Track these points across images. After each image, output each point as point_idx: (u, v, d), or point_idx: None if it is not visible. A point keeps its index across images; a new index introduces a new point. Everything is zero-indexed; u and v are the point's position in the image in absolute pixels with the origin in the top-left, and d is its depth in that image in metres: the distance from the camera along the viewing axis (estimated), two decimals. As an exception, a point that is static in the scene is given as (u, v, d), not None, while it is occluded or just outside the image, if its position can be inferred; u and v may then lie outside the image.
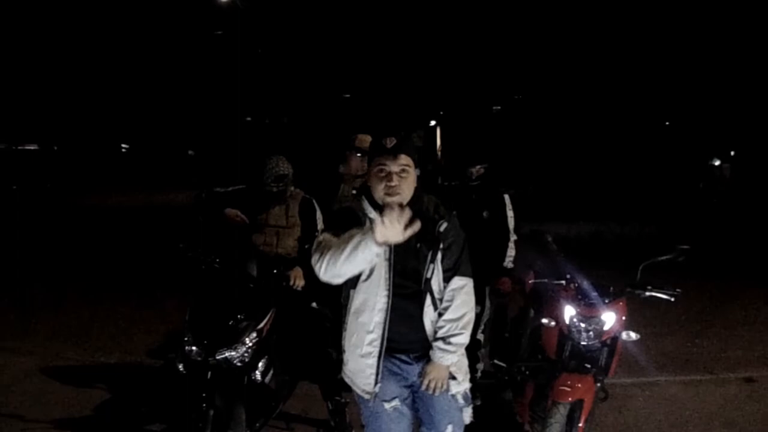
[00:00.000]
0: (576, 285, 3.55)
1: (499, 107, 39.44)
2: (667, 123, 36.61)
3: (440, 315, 2.61)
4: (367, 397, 2.60)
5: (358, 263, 2.33)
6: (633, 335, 3.47)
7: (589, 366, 3.41)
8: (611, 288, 3.54)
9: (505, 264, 4.50)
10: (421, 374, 2.62)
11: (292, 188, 4.22)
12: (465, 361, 2.73)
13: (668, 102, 33.96)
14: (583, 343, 3.43)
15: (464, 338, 2.62)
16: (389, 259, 2.52)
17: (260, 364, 3.54)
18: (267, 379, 3.59)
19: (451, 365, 2.63)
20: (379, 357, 2.55)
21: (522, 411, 3.86)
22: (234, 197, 4.19)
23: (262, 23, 33.58)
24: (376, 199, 2.57)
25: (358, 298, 2.57)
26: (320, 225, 4.22)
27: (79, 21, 32.40)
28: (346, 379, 2.70)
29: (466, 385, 2.71)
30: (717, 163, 24.95)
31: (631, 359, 4.92)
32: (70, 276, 8.98)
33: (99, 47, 33.30)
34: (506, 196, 4.66)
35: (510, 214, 4.62)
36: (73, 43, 32.56)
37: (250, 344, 3.44)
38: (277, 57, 35.49)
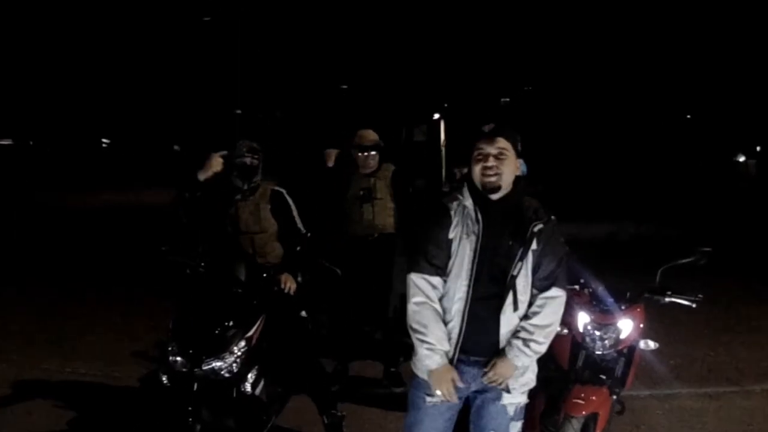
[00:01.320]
0: (590, 290, 3.55)
1: (507, 99, 39.42)
2: (688, 116, 36.58)
3: (526, 318, 2.71)
4: (435, 400, 2.72)
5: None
6: (651, 344, 3.46)
7: (604, 377, 3.40)
8: (628, 293, 3.53)
9: None
10: (487, 366, 2.70)
11: (260, 180, 4.11)
12: (531, 378, 2.81)
13: (690, 94, 33.90)
14: (597, 352, 3.42)
15: (543, 348, 2.72)
16: (475, 250, 2.65)
17: (250, 375, 3.53)
18: (257, 391, 3.58)
19: (517, 372, 2.71)
20: (457, 346, 2.68)
21: (532, 425, 3.84)
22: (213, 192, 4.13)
23: (253, 9, 33.49)
24: (475, 183, 2.71)
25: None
26: (298, 223, 4.14)
27: (55, 9, 32.38)
28: (416, 370, 2.77)
29: (521, 399, 2.80)
30: (742, 159, 24.97)
31: (650, 370, 4.92)
32: (47, 280, 8.98)
33: (77, 35, 33.27)
34: None
35: None
36: (49, 32, 32.54)
37: (239, 353, 3.43)
38: (270, 45, 35.42)
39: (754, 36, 30.16)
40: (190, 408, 3.29)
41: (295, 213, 4.15)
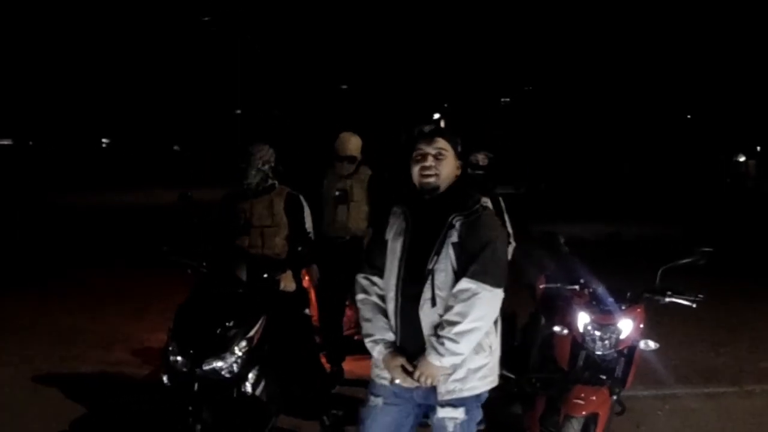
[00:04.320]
0: (590, 290, 3.55)
1: (508, 99, 39.43)
2: (689, 116, 36.57)
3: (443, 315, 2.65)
4: (385, 383, 2.71)
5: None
6: (652, 344, 3.47)
7: (604, 377, 3.41)
8: (628, 293, 3.54)
9: None
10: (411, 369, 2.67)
11: (276, 183, 4.23)
12: (461, 387, 2.66)
13: (690, 94, 33.91)
14: (598, 352, 3.43)
15: (459, 348, 2.57)
16: (402, 249, 2.67)
17: (251, 375, 3.54)
18: (258, 391, 3.59)
19: (449, 377, 2.63)
20: (395, 343, 2.69)
21: (532, 425, 3.85)
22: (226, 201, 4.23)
23: (253, 8, 33.50)
24: (414, 183, 2.73)
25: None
26: (308, 224, 4.23)
27: (55, 10, 32.38)
28: (377, 369, 2.77)
29: (458, 415, 2.66)
30: (742, 158, 25.02)
31: (650, 370, 4.90)
32: (46, 280, 8.99)
33: (77, 35, 33.27)
34: (500, 199, 4.80)
35: (506, 218, 4.74)
36: (49, 33, 32.54)
37: (240, 354, 3.44)
38: (270, 45, 35.42)
39: (754, 36, 30.16)
40: (190, 408, 3.29)
41: (306, 215, 4.24)
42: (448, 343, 2.57)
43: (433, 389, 2.64)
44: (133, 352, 5.86)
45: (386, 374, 2.69)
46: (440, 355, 2.58)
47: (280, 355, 3.89)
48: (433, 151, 2.68)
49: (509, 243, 4.58)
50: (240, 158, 4.18)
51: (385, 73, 34.82)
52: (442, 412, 2.66)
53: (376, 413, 2.73)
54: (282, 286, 3.92)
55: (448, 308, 2.61)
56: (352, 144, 4.99)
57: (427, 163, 2.67)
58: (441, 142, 2.70)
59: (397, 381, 2.65)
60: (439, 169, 2.67)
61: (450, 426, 2.66)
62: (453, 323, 2.58)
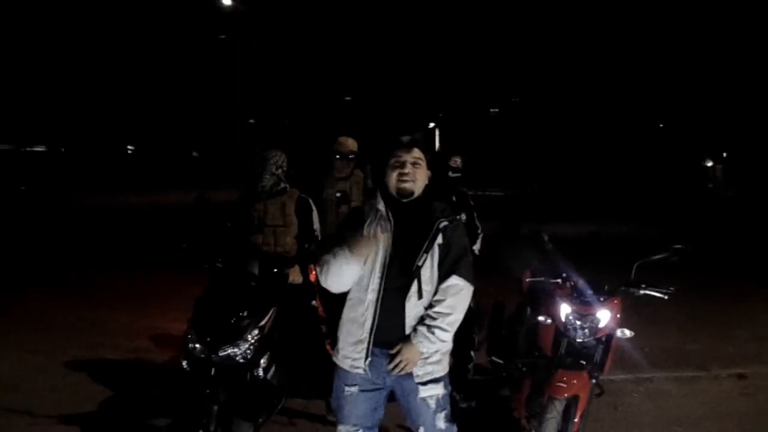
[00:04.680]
0: (572, 283, 3.55)
1: (497, 109, 39.44)
2: (660, 125, 36.57)
3: (431, 306, 2.67)
4: (361, 372, 2.70)
5: (340, 269, 2.63)
6: (627, 333, 3.47)
7: (584, 362, 3.41)
8: (606, 286, 3.54)
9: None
10: (393, 353, 2.65)
11: (288, 186, 4.23)
12: (437, 369, 2.71)
13: (662, 104, 33.93)
14: (578, 340, 3.43)
15: (446, 336, 2.66)
16: (387, 245, 2.66)
17: (262, 361, 3.54)
18: (269, 375, 3.59)
19: (425, 361, 2.66)
20: (371, 333, 2.67)
21: (518, 407, 3.86)
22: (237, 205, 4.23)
23: (266, 27, 33.55)
24: (390, 189, 2.74)
25: (356, 280, 2.71)
26: (316, 224, 4.23)
27: (87, 24, 32.41)
28: (335, 360, 2.80)
29: (439, 391, 2.72)
30: (710, 164, 25.03)
31: (626, 356, 4.92)
32: (73, 274, 8.99)
33: (105, 50, 33.31)
34: (471, 201, 5.19)
35: (474, 214, 5.13)
36: (80, 46, 32.57)
37: (252, 341, 3.44)
38: (281, 60, 35.47)
39: (721, 48, 30.17)
40: (208, 390, 3.30)
41: (315, 217, 4.24)
42: (438, 332, 2.63)
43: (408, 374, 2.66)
44: (155, 340, 5.87)
45: (360, 363, 2.68)
46: (431, 342, 2.63)
47: (289, 343, 3.89)
48: (411, 159, 2.71)
49: (478, 234, 5.11)
50: (255, 163, 4.17)
51: (385, 86, 34.88)
52: (424, 392, 2.70)
53: (353, 400, 2.74)
54: (290, 279, 3.94)
55: (436, 301, 2.66)
56: (350, 142, 4.96)
57: (406, 170, 2.70)
58: (417, 152, 2.73)
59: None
60: (415, 176, 2.71)
61: (432, 403, 2.71)
62: (445, 314, 2.64)
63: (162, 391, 4.52)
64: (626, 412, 4.46)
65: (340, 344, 2.78)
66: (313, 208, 4.27)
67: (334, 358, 2.81)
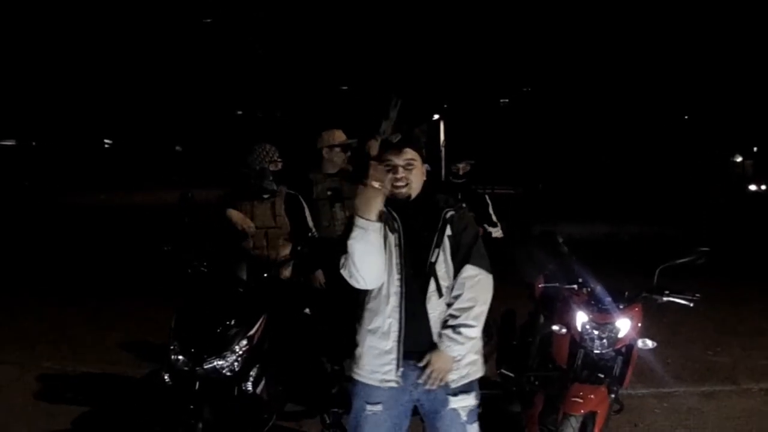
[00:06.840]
0: (589, 289, 3.55)
1: (507, 100, 39.41)
2: (686, 117, 36.55)
3: (450, 305, 2.68)
4: (394, 385, 2.66)
5: (364, 255, 2.58)
6: (649, 343, 3.46)
7: (602, 376, 3.41)
8: (626, 292, 3.54)
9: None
10: (423, 365, 2.65)
11: (275, 185, 4.23)
12: (473, 375, 2.75)
13: (687, 95, 33.89)
14: (596, 351, 3.42)
15: (475, 332, 2.68)
16: (399, 245, 2.67)
17: (251, 374, 3.54)
18: (259, 389, 3.59)
19: (459, 364, 2.66)
20: (399, 341, 2.65)
21: (531, 424, 3.85)
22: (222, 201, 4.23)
23: (254, 10, 33.49)
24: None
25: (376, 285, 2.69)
26: (310, 222, 4.24)
27: (58, 11, 32.39)
28: (357, 376, 2.74)
29: (470, 402, 2.74)
30: (739, 159, 25.00)
31: (648, 369, 4.91)
32: (49, 280, 8.99)
33: (79, 37, 33.27)
34: (486, 196, 5.25)
35: (491, 211, 5.21)
36: (52, 34, 32.54)
37: (241, 352, 3.44)
38: (271, 46, 35.41)
39: (751, 38, 30.15)
40: (192, 406, 3.29)
41: (307, 214, 4.25)
42: (464, 330, 2.65)
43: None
44: (134, 351, 5.86)
45: (392, 375, 2.66)
46: (460, 344, 2.65)
47: (281, 354, 3.89)
48: (403, 163, 2.71)
49: (496, 224, 5.29)
50: (243, 158, 4.18)
51: (386, 75, 34.84)
52: (455, 402, 2.70)
53: (375, 420, 2.71)
54: (281, 275, 3.95)
55: (455, 297, 2.68)
56: (339, 133, 4.91)
57: (399, 175, 2.70)
58: (410, 153, 2.73)
59: (375, 184, 2.60)
60: (410, 179, 2.72)
61: (464, 414, 2.72)
62: (468, 309, 2.66)
63: (141, 407, 4.51)
64: (647, 430, 4.45)
65: (365, 359, 2.73)
66: (303, 204, 4.27)
67: (356, 375, 2.76)
